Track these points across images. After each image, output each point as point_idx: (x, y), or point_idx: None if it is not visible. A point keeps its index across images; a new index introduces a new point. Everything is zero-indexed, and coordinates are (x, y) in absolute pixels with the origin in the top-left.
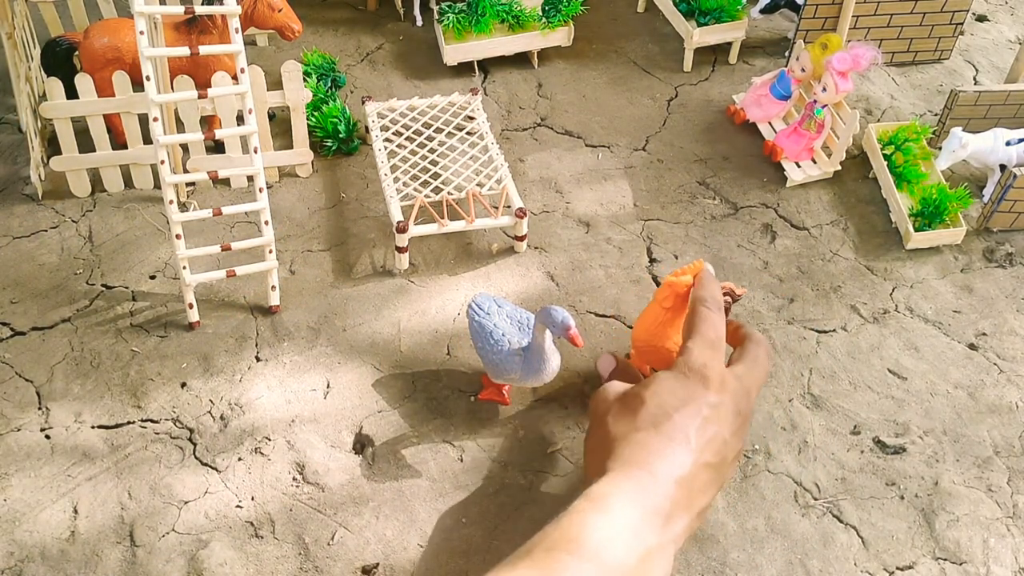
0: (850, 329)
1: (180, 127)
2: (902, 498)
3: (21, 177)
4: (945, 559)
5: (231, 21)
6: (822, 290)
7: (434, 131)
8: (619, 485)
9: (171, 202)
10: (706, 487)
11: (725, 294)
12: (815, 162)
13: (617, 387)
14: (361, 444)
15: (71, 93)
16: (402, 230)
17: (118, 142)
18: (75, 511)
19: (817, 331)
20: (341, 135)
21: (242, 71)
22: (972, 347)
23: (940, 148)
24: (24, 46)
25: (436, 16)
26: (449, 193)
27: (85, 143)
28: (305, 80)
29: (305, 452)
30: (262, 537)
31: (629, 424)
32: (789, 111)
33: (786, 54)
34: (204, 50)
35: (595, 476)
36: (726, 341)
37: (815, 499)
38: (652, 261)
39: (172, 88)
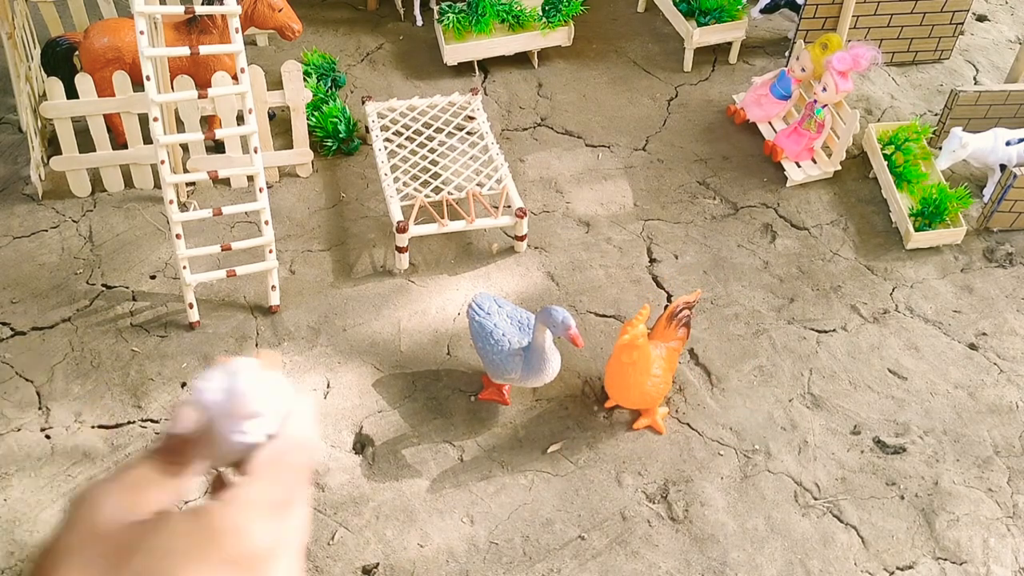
0: (850, 329)
1: (180, 127)
2: (902, 498)
3: (21, 177)
4: (945, 559)
5: (231, 21)
6: (822, 290)
7: (434, 131)
8: None
9: (171, 202)
10: None
11: (683, 308)
12: (815, 162)
13: (115, 503)
14: (361, 444)
15: (71, 93)
16: (402, 230)
17: (118, 142)
18: None
19: (817, 331)
20: (341, 135)
21: (242, 71)
22: (972, 347)
23: (940, 148)
24: (24, 46)
25: (436, 16)
26: (449, 193)
27: (85, 143)
28: (305, 80)
29: None
30: None
31: None
32: (789, 111)
33: (786, 54)
34: (204, 50)
35: None
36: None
37: (815, 499)
38: (652, 261)
39: (172, 88)
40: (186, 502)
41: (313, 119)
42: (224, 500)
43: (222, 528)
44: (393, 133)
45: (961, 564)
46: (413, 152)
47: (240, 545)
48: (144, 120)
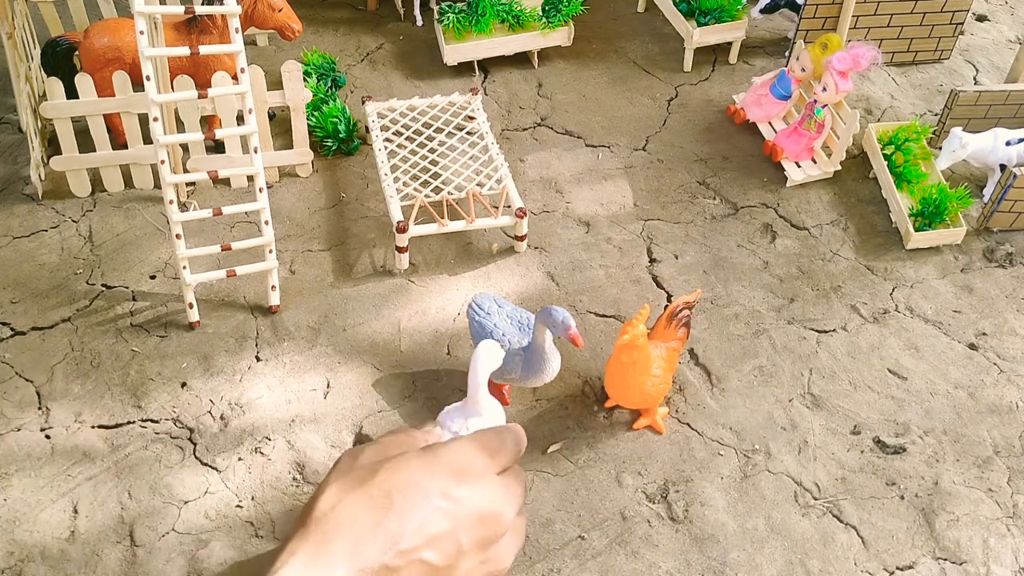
0: (850, 329)
1: (180, 127)
2: (902, 498)
3: (21, 177)
4: (945, 559)
5: (231, 21)
6: (822, 290)
7: (434, 131)
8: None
9: (171, 202)
10: None
11: (683, 308)
12: (815, 162)
13: (370, 453)
14: (361, 444)
15: (71, 93)
16: (402, 230)
17: (118, 142)
18: (75, 511)
19: (817, 331)
20: (341, 135)
21: (242, 71)
22: (972, 347)
23: (940, 148)
24: (24, 46)
25: (436, 16)
26: (449, 193)
27: (85, 143)
28: (305, 80)
29: (305, 452)
30: (262, 537)
31: (341, 494)
32: (789, 111)
33: (786, 54)
34: (204, 50)
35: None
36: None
37: (815, 499)
38: (652, 261)
39: (172, 88)
40: None
41: (313, 119)
42: (447, 440)
43: (446, 450)
44: (393, 133)
45: (961, 564)
46: (413, 152)
47: (458, 460)
48: (144, 120)
